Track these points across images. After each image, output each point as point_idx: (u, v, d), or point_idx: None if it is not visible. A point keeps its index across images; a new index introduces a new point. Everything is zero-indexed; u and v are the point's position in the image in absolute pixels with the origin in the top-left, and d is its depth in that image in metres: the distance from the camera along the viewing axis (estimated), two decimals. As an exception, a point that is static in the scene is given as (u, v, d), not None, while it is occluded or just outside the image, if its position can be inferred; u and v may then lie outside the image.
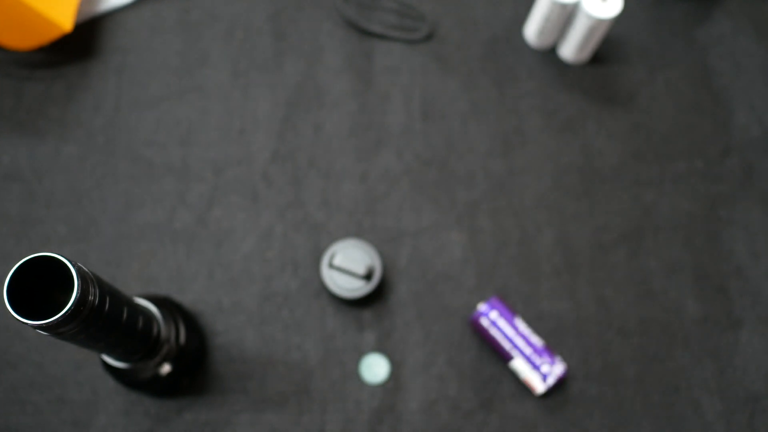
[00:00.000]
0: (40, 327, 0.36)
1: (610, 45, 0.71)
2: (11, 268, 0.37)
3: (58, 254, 0.37)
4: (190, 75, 0.67)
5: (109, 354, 0.47)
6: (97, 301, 0.39)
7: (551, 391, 0.59)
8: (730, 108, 0.69)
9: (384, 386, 0.58)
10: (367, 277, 0.58)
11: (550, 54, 0.70)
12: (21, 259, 0.37)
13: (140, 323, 0.46)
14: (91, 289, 0.38)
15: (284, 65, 0.68)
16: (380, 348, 0.59)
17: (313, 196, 0.64)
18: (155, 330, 0.50)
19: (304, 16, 0.70)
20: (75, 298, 0.36)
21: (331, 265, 0.58)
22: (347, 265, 0.58)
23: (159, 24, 0.69)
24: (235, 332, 0.59)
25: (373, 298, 0.61)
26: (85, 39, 0.68)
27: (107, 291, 0.40)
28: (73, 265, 0.37)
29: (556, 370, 0.57)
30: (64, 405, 0.57)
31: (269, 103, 0.67)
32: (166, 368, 0.52)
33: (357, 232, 0.63)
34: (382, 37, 0.69)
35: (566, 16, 0.65)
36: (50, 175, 0.63)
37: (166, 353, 0.52)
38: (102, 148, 0.64)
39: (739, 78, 0.70)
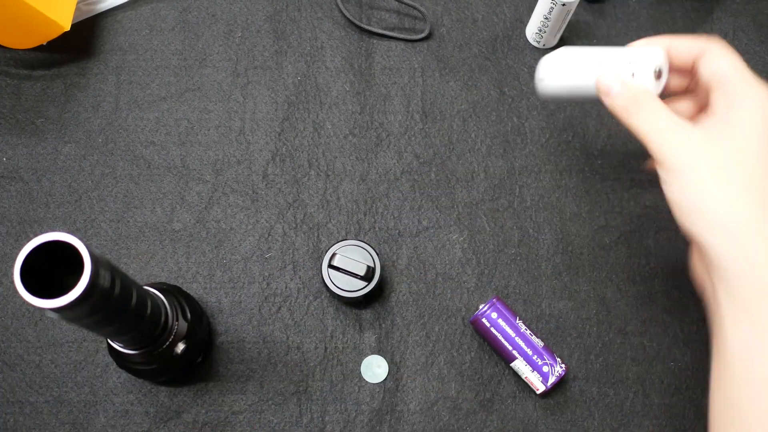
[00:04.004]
0: (53, 309, 0.36)
1: (611, 45, 0.71)
2: (10, 268, 0.37)
3: (68, 235, 0.37)
4: (190, 75, 0.67)
5: (120, 338, 0.48)
6: (108, 284, 0.39)
7: (551, 392, 0.59)
8: (730, 108, 0.69)
9: (384, 386, 0.58)
10: (367, 277, 0.57)
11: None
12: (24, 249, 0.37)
13: (149, 305, 0.46)
14: (102, 272, 0.38)
15: (284, 65, 0.68)
16: (380, 348, 0.59)
17: (313, 196, 0.63)
18: (163, 311, 0.50)
19: (303, 16, 0.70)
20: (87, 279, 0.36)
21: (331, 265, 0.58)
22: (347, 265, 0.57)
23: (158, 23, 0.69)
24: (235, 332, 0.59)
25: (373, 298, 0.61)
26: (84, 38, 0.68)
27: (117, 274, 0.41)
28: (85, 247, 0.37)
29: (556, 370, 0.56)
30: (63, 406, 0.57)
31: (269, 103, 0.66)
32: (180, 347, 0.52)
33: (357, 232, 0.63)
34: (382, 36, 0.69)
35: (567, 15, 0.65)
36: (49, 174, 0.63)
37: (176, 333, 0.52)
38: (101, 147, 0.64)
39: (739, 78, 0.70)
